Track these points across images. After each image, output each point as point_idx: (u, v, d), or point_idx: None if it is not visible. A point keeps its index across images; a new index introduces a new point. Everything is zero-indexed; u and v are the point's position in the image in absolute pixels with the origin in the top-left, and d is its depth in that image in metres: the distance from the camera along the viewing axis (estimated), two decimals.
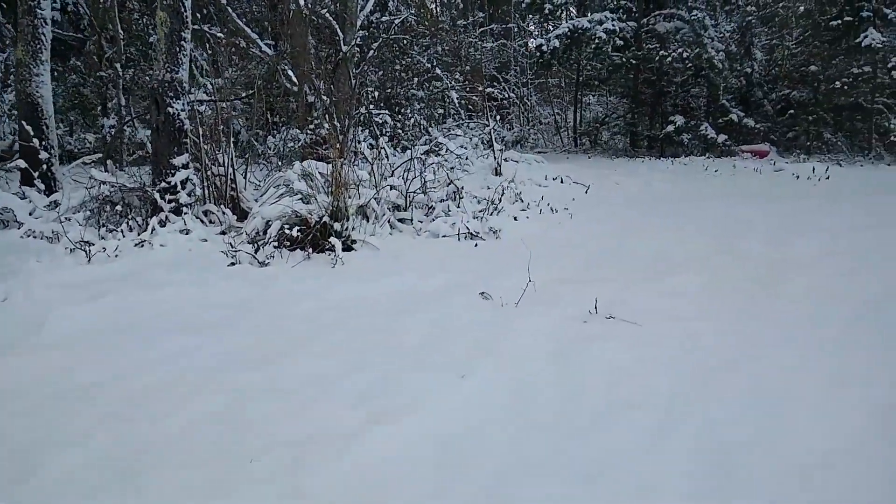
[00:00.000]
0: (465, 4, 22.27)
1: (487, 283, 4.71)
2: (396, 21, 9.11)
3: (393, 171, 6.39)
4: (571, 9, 20.14)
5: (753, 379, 3.16)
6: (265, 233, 5.43)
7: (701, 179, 10.23)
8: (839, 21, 13.31)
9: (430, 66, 11.75)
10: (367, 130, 10.94)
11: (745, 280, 4.80)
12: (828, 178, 9.45)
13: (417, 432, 2.68)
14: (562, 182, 9.18)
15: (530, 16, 21.18)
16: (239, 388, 3.16)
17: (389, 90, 12.10)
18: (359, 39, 8.85)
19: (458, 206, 6.48)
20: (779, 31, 17.83)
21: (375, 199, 5.89)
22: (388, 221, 5.95)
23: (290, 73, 7.66)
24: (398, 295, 4.50)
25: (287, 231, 5.21)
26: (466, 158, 10.25)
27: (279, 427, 2.77)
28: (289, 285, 4.71)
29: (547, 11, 17.43)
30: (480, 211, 6.45)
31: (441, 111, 13.52)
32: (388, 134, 11.24)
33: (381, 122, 11.15)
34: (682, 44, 15.14)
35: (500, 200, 6.80)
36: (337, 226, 5.45)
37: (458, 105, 12.81)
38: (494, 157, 9.01)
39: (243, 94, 8.44)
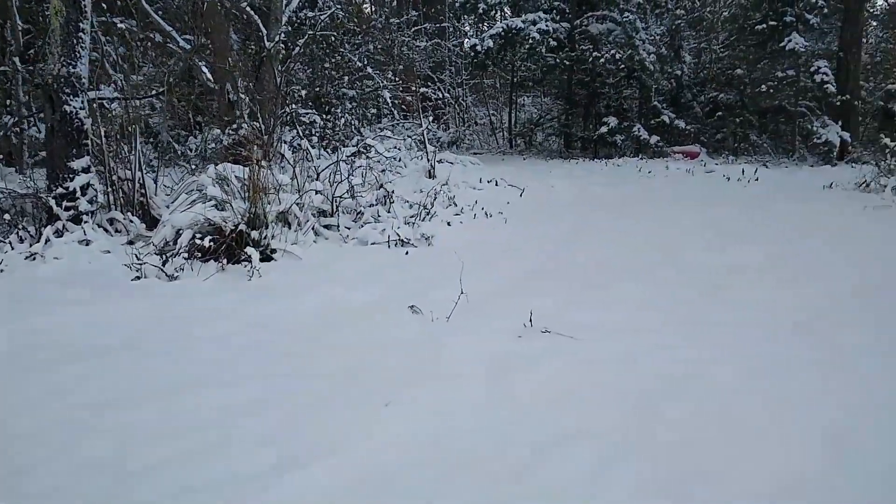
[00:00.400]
0: (399, 3, 21.94)
1: (418, 296, 4.40)
2: (323, 17, 8.68)
3: (318, 174, 6.00)
4: (506, 9, 20.06)
5: (698, 402, 2.96)
6: (175, 243, 4.96)
7: (635, 182, 10.21)
8: (764, 25, 13.61)
9: (361, 64, 11.35)
10: (294, 130, 10.46)
11: (687, 289, 4.65)
12: (757, 179, 9.55)
13: (331, 479, 2.34)
14: (496, 185, 8.95)
15: (465, 16, 21.00)
16: (131, 427, 2.76)
17: (319, 89, 11.64)
18: (283, 35, 8.39)
19: (389, 212, 6.15)
20: (706, 35, 18.20)
21: (298, 204, 5.50)
22: (313, 228, 5.57)
23: (204, 69, 7.15)
24: (320, 311, 4.14)
25: (198, 241, 4.76)
26: (399, 160, 9.92)
27: (172, 475, 2.39)
28: (199, 302, 4.28)
29: (481, 11, 17.23)
30: (412, 216, 6.14)
31: (374, 111, 13.12)
32: (317, 134, 10.79)
33: (309, 121, 10.69)
34: (615, 45, 15.22)
35: (432, 205, 6.50)
36: (255, 234, 5.04)
37: (391, 105, 12.44)
38: (427, 160, 8.70)
39: (153, 92, 7.85)
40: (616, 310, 4.18)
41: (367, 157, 6.31)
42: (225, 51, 8.77)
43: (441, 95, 16.41)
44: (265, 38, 8.28)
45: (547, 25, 15.25)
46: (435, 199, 6.80)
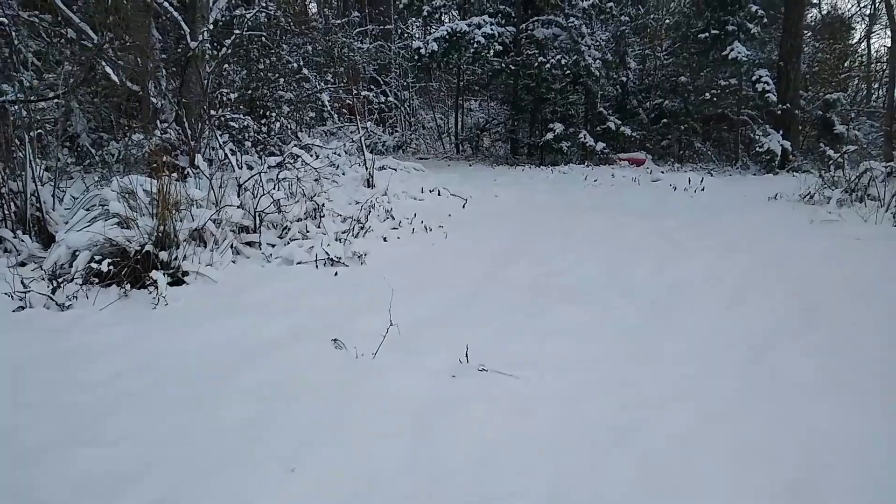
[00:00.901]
0: (343, 3, 21.38)
1: (344, 325, 3.98)
2: (249, 16, 8.14)
3: (241, 186, 5.50)
4: (454, 12, 19.76)
5: (645, 453, 2.63)
6: (72, 265, 4.40)
7: (581, 190, 9.98)
8: (706, 34, 13.64)
9: (297, 65, 10.82)
10: (226, 136, 9.87)
11: (632, 313, 4.35)
12: (703, 189, 9.43)
13: None
14: (439, 194, 8.58)
15: (413, 18, 20.60)
16: None
17: (253, 91, 11.06)
18: (209, 35, 7.83)
19: (319, 227, 5.69)
20: (650, 42, 18.27)
21: (214, 220, 4.99)
22: (232, 247, 5.07)
23: (108, 69, 6.55)
24: (229, 345, 3.67)
25: (95, 265, 4.22)
26: (337, 167, 9.45)
27: None
28: (90, 336, 3.75)
29: (426, 14, 16.85)
30: (344, 232, 5.69)
31: (313, 115, 12.59)
32: (250, 139, 10.22)
33: (241, 126, 10.11)
34: (561, 51, 15.06)
35: (367, 219, 6.06)
36: (163, 255, 4.52)
37: (329, 108, 11.93)
38: (366, 168, 8.26)
39: (52, 94, 7.19)
40: (559, 339, 3.84)
41: (295, 168, 5.82)
42: (146, 50, 8.15)
43: (384, 99, 15.94)
44: (188, 36, 7.70)
45: (492, 29, 14.98)
46: (370, 212, 6.37)
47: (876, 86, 21.90)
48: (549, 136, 14.94)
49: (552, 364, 3.48)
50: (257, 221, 5.39)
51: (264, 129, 10.75)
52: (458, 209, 7.83)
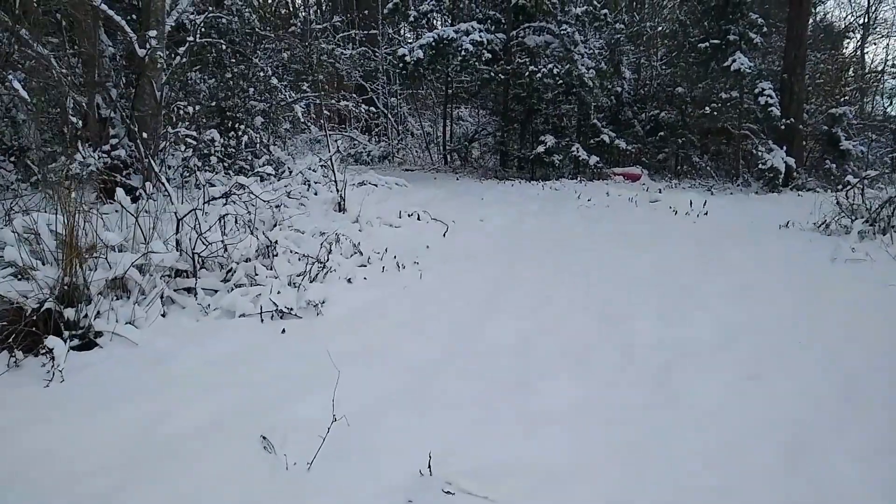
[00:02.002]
0: (330, 6, 20.61)
1: (282, 409, 3.19)
2: (199, 21, 7.34)
3: (180, 221, 4.68)
4: (444, 17, 19.01)
5: None
6: None
7: (574, 211, 9.22)
8: (707, 44, 12.93)
9: (265, 74, 10.01)
10: (188, 151, 9.06)
11: (635, 388, 3.58)
12: (706, 213, 8.69)
13: None
14: (418, 219, 7.79)
15: (403, 23, 19.83)
16: None
17: (223, 102, 10.25)
18: (157, 41, 7.02)
19: (271, 268, 4.89)
20: (645, 51, 17.58)
21: (140, 266, 4.19)
22: (162, 297, 4.26)
23: (16, 84, 5.71)
24: (130, 445, 2.87)
25: None
26: (309, 186, 8.66)
27: None
28: None
29: (412, 19, 16.09)
30: (300, 274, 4.88)
31: (287, 126, 11.78)
32: (216, 154, 9.40)
33: (207, 139, 9.30)
34: (553, 59, 14.34)
35: (328, 257, 5.26)
36: (69, 313, 3.72)
37: (304, 120, 11.12)
38: (337, 190, 7.46)
39: None
40: (547, 433, 3.06)
41: (241, 201, 5.02)
42: (93, 57, 7.34)
43: (367, 108, 15.14)
44: (135, 43, 6.89)
45: (481, 36, 14.23)
46: (334, 247, 5.57)
47: (870, 98, 21.32)
48: (541, 148, 14.19)
49: (538, 476, 2.70)
50: (196, 263, 4.58)
51: (232, 142, 9.94)
52: (438, 238, 7.04)
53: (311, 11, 17.94)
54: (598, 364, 3.89)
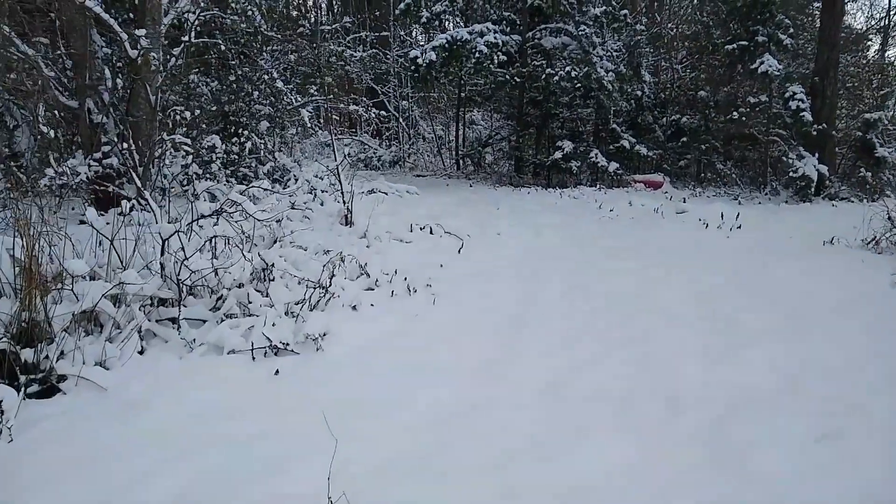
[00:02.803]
0: (342, 7, 20.10)
1: (264, 484, 2.65)
2: (193, 18, 6.83)
3: (165, 242, 4.16)
4: (456, 18, 18.48)
5: None
6: None
7: (596, 223, 8.65)
8: (734, 45, 12.31)
9: (269, 76, 9.51)
10: (189, 157, 8.58)
11: (686, 448, 3.02)
12: (739, 227, 8.09)
13: None
14: (431, 233, 7.24)
15: (415, 25, 19.31)
16: None
17: (225, 105, 9.76)
18: (149, 41, 6.53)
19: (266, 295, 4.36)
20: (666, 53, 16.97)
21: (114, 296, 3.67)
22: (140, 331, 3.74)
23: None
24: None
25: None
26: (315, 196, 8.15)
27: None
28: None
29: (425, 20, 15.56)
30: (298, 302, 4.35)
31: (294, 131, 11.29)
32: (218, 161, 8.92)
33: (208, 146, 8.81)
34: (570, 61, 13.76)
35: (330, 281, 4.72)
36: (28, 354, 3.20)
37: (311, 125, 10.62)
38: (343, 202, 6.93)
39: None
40: None
41: (233, 218, 4.48)
42: (84, 58, 6.86)
43: (378, 112, 14.62)
44: (126, 43, 6.40)
45: (496, 38, 13.68)
46: (338, 269, 5.03)
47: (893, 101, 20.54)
48: (558, 154, 13.63)
49: None
50: (182, 291, 4.06)
51: (235, 148, 9.46)
52: (453, 255, 6.49)
53: (321, 12, 17.43)
54: (639, 416, 3.33)
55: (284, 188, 8.59)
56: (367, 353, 4.00)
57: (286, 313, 4.24)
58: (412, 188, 11.58)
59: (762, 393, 3.62)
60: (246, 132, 9.69)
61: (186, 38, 6.87)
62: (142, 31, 6.13)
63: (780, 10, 12.29)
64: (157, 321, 3.98)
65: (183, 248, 3.97)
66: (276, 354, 3.86)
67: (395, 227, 7.06)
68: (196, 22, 7.26)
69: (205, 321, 4.12)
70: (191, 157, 8.59)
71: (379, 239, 6.47)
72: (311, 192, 8.23)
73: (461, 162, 17.68)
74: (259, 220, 4.55)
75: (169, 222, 4.39)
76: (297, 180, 9.37)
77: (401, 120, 20.98)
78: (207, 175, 8.80)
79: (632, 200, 10.60)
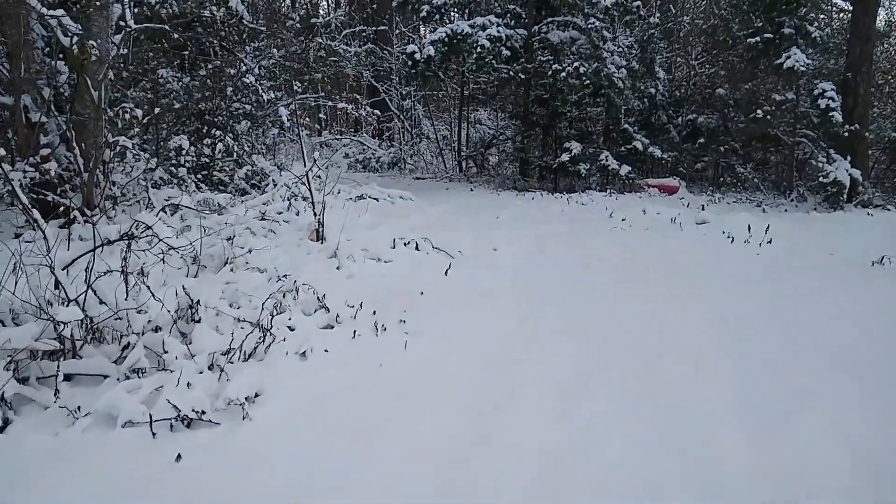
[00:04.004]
0: (335, 1, 19.20)
1: None
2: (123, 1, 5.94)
3: (56, 275, 3.25)
4: (462, 13, 17.52)
5: None
6: None
7: (607, 237, 7.69)
8: (757, 38, 11.31)
9: (252, 70, 8.60)
10: (153, 161, 7.73)
11: None
12: (770, 241, 7.11)
13: None
14: (417, 248, 6.32)
15: (416, 20, 18.37)
16: None
17: (198, 103, 8.88)
18: (98, 27, 5.65)
19: (187, 341, 3.44)
20: (681, 48, 15.96)
21: None
22: (2, 399, 2.83)
23: None
24: None
25: None
26: (290, 205, 7.25)
27: None
28: None
29: (425, 14, 14.61)
30: (226, 352, 3.42)
31: (276, 131, 10.38)
32: (187, 165, 8.03)
33: (174, 147, 7.94)
34: (579, 57, 12.79)
35: (271, 321, 3.79)
36: None
37: (287, 125, 9.70)
38: (314, 213, 5.99)
39: None
40: None
41: (146, 245, 3.56)
42: (20, 50, 5.97)
43: (374, 110, 13.67)
44: (57, 32, 5.51)
45: (499, 31, 12.74)
46: (292, 301, 4.10)
47: None
48: (565, 157, 12.65)
49: None
50: (72, 341, 3.15)
51: (208, 149, 8.56)
52: (438, 277, 5.56)
53: (312, 5, 16.51)
54: None
55: (263, 193, 7.70)
56: (309, 421, 3.07)
57: (210, 367, 3.33)
58: (406, 193, 10.64)
59: (826, 482, 2.69)
60: (220, 133, 8.80)
61: (130, 27, 5.95)
62: (59, 12, 5.21)
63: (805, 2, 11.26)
64: (38, 379, 3.07)
65: (88, 285, 3.05)
66: (188, 426, 2.95)
67: (376, 242, 6.13)
68: (132, 4, 6.35)
69: (106, 377, 3.21)
70: (154, 160, 7.73)
71: (352, 258, 5.54)
72: (289, 199, 7.34)
73: (463, 164, 16.75)
74: (174, 248, 3.62)
75: (105, 238, 3.48)
76: (275, 185, 8.48)
77: (403, 119, 20.04)
78: (174, 182, 7.93)
79: (646, 208, 9.63)
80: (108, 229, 3.45)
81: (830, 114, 10.61)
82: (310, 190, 5.99)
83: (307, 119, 12.83)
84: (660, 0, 16.54)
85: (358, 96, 16.87)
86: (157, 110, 7.27)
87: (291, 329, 3.85)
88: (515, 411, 3.28)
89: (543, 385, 3.57)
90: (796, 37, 11.02)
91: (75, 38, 5.47)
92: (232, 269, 4.83)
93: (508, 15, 14.23)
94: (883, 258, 6.08)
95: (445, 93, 19.28)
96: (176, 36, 7.03)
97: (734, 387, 3.60)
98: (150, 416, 2.87)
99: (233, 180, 8.99)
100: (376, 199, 10.02)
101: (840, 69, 11.67)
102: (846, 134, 10.62)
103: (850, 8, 11.59)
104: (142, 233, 3.39)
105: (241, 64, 8.59)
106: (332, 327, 4.14)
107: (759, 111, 11.07)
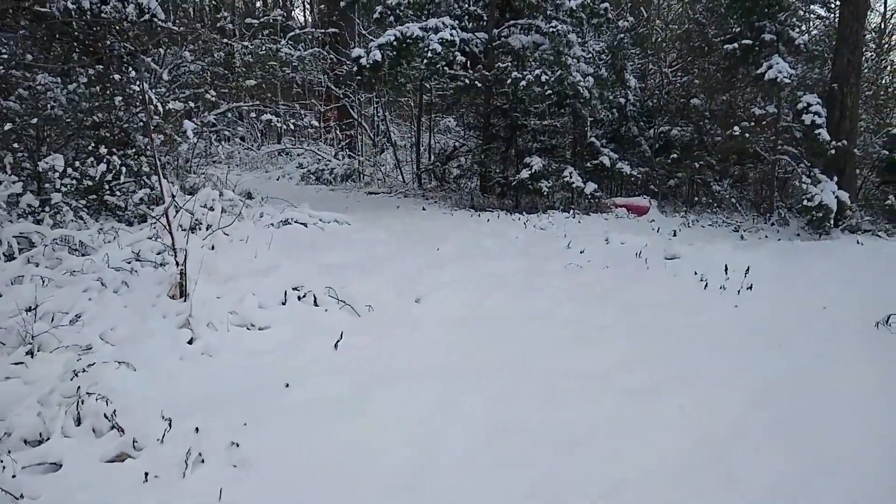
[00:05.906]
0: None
1: None
2: None
3: None
4: (420, 14, 16.29)
5: None
6: None
7: (561, 277, 6.47)
8: (735, 45, 10.20)
9: (125, 77, 7.27)
10: (19, 183, 6.44)
11: None
12: (750, 287, 5.94)
13: None
14: (315, 304, 5.03)
15: (368, 20, 17.12)
16: None
17: (93, 114, 7.54)
18: None
19: None
20: (654, 55, 14.88)
21: None
22: None
23: None
24: None
25: None
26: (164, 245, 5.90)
27: None
28: None
29: (378, 15, 13.36)
30: None
31: (186, 147, 9.06)
32: (63, 189, 6.69)
33: (48, 167, 6.61)
34: (542, 63, 11.61)
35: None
36: None
37: (191, 139, 8.38)
38: (177, 263, 4.68)
39: None
40: None
41: None
42: None
43: (316, 116, 12.39)
44: None
45: (453, 35, 11.49)
46: (64, 418, 2.81)
47: None
48: (525, 173, 11.45)
49: None
50: None
51: (92, 170, 7.21)
52: (326, 352, 4.28)
53: (252, 5, 15.18)
54: None
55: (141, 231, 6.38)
56: None
57: None
58: (342, 217, 9.39)
59: None
60: (113, 150, 7.46)
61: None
62: None
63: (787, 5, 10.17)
64: None
65: None
66: None
67: (261, 295, 4.83)
68: None
69: None
70: (20, 184, 6.40)
71: (213, 326, 4.25)
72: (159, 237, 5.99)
73: (422, 177, 15.50)
74: None
75: None
76: (177, 212, 7.15)
77: (366, 127, 18.77)
78: (43, 210, 6.60)
79: (609, 236, 8.45)
80: None
81: (817, 131, 9.51)
82: (170, 232, 4.68)
83: (238, 130, 11.49)
84: (631, 2, 15.47)
85: (316, 102, 15.50)
86: (34, 120, 5.94)
87: (57, 466, 2.55)
88: None
89: None
90: (778, 43, 9.93)
91: None
92: (29, 353, 3.53)
93: (468, 17, 13.04)
94: (889, 318, 4.90)
95: (406, 100, 18.08)
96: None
97: None
98: None
99: (127, 206, 7.66)
100: (304, 225, 8.77)
101: (825, 79, 10.61)
102: (833, 151, 9.53)
103: (832, 15, 10.55)
104: None
105: (131, 70, 7.24)
106: (124, 459, 2.84)
107: (736, 128, 9.94)
